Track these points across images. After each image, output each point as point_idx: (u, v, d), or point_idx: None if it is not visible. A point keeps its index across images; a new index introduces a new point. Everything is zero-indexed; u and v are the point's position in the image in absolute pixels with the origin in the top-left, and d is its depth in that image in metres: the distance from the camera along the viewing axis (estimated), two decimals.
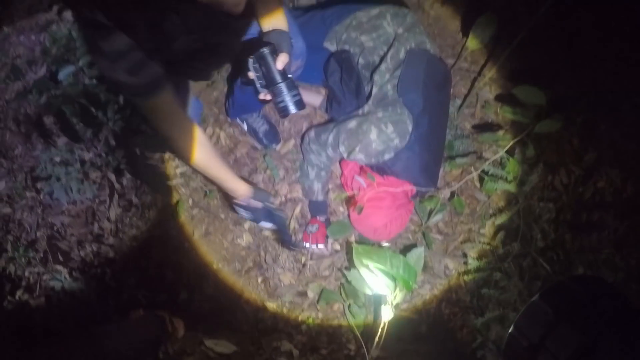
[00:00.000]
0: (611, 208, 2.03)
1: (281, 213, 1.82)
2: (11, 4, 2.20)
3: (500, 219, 2.10)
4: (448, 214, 2.26)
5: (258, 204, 1.74)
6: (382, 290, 1.86)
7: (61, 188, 1.96)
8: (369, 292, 1.94)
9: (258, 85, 1.44)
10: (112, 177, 2.05)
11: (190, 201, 2.21)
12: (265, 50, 1.37)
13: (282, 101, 1.42)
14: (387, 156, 1.93)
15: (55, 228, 2.02)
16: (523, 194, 2.03)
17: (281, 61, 1.40)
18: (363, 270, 1.84)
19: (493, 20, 2.06)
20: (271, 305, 2.12)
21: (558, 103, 2.00)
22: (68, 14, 2.12)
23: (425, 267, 2.14)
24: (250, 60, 1.40)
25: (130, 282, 2.03)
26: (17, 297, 1.86)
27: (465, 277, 2.11)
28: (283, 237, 1.98)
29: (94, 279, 1.98)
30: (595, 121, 2.13)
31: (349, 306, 2.03)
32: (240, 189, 1.66)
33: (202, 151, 1.44)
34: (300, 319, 2.10)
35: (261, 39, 1.48)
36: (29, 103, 2.07)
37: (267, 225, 1.84)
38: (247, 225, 2.19)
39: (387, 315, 1.85)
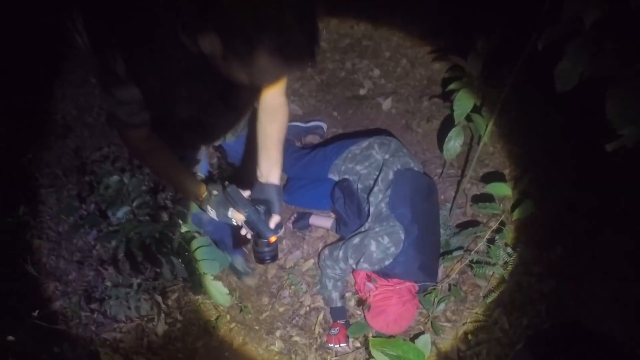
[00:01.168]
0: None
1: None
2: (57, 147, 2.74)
3: (492, 298, 2.41)
4: (454, 303, 2.56)
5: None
6: None
7: (117, 306, 2.35)
8: None
9: (244, 231, 1.53)
10: (159, 298, 2.44)
11: (228, 316, 2.58)
12: (261, 210, 1.48)
13: (262, 252, 1.52)
14: (387, 262, 2.32)
15: (107, 343, 2.38)
16: (507, 272, 2.36)
17: (273, 222, 1.52)
18: (379, 358, 2.15)
19: (460, 132, 2.48)
20: None
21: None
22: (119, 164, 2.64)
23: (439, 352, 2.43)
24: (246, 213, 1.46)
25: None
26: None
27: (476, 356, 2.37)
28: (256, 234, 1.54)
29: None
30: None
31: None
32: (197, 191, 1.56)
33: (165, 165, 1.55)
34: None
35: (258, 191, 1.58)
36: (80, 236, 2.53)
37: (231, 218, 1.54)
38: (278, 333, 2.53)
39: None
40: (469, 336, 2.42)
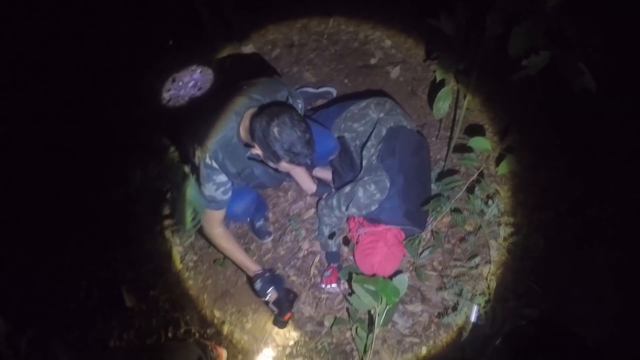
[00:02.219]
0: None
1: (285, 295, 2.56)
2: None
3: (471, 245, 2.60)
4: (441, 254, 2.75)
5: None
6: (372, 305, 2.38)
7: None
8: (364, 310, 2.45)
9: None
10: (176, 240, 2.77)
11: None
12: (290, 297, 2.57)
13: (278, 321, 2.56)
14: (373, 207, 2.53)
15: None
16: (485, 222, 2.52)
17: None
18: (359, 292, 2.38)
19: (448, 92, 2.62)
20: (295, 334, 2.66)
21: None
22: None
23: (423, 299, 2.64)
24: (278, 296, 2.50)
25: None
26: None
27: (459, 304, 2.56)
28: (278, 311, 2.54)
29: None
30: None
31: (356, 329, 2.53)
32: (250, 267, 2.49)
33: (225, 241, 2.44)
34: (319, 345, 2.61)
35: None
36: None
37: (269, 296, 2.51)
38: (277, 272, 2.80)
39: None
40: (453, 286, 2.60)
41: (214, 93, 3.23)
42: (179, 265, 2.95)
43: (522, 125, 2.94)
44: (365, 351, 2.49)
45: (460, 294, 2.55)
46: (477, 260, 2.63)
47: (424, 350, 2.57)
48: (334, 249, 2.75)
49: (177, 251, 3.00)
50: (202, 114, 2.21)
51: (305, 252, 2.88)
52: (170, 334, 2.64)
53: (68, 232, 2.85)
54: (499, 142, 2.80)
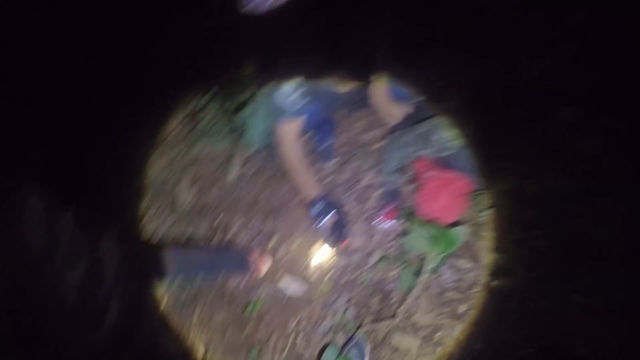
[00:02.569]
0: None
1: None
2: None
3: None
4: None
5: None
6: (425, 249, 2.31)
7: None
8: (416, 253, 2.38)
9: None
10: None
11: None
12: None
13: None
14: (448, 152, 2.41)
15: None
16: None
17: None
18: (415, 233, 2.30)
19: None
20: (339, 262, 2.64)
21: None
22: None
23: (474, 258, 2.54)
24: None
25: None
26: None
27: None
28: (332, 237, 2.53)
29: None
30: None
31: (404, 268, 2.48)
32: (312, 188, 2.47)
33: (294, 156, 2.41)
34: (360, 277, 2.58)
35: None
36: None
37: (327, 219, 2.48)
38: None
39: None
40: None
41: None
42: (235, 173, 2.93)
43: None
44: (406, 294, 2.45)
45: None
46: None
47: (462, 308, 2.50)
48: (395, 186, 2.66)
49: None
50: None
51: (367, 183, 2.79)
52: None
53: None
54: None
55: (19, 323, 1.05)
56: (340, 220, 2.50)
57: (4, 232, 1.05)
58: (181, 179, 2.99)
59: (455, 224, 2.47)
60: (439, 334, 2.46)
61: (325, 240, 2.55)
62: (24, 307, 1.07)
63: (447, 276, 2.55)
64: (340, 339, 2.46)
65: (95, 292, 1.39)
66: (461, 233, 2.33)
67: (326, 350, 2.31)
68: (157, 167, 2.99)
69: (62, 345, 1.31)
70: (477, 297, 2.50)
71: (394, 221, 2.60)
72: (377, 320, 2.48)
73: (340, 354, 2.30)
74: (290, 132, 2.31)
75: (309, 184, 2.48)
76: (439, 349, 2.44)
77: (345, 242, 2.54)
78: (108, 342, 1.51)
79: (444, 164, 2.51)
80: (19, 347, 0.93)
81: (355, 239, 2.65)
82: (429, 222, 2.40)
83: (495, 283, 2.43)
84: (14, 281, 1.00)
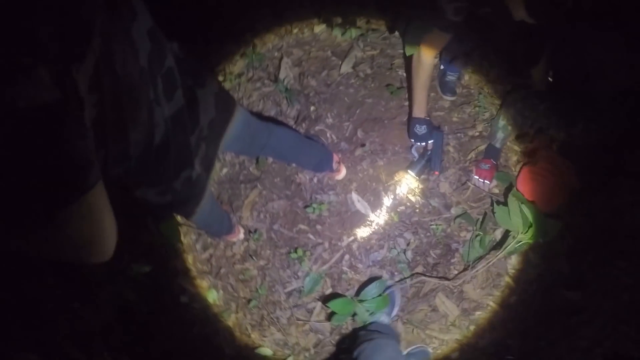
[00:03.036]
0: None
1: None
2: None
3: None
4: None
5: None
6: (512, 228, 2.13)
7: None
8: (502, 225, 2.21)
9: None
10: None
11: None
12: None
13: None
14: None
15: None
16: None
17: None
18: (512, 208, 2.11)
19: None
20: (417, 200, 2.49)
21: None
22: None
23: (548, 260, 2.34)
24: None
25: None
26: None
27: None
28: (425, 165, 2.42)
29: None
30: None
31: (477, 236, 2.32)
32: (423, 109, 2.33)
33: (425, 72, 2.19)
34: (435, 224, 2.44)
35: None
36: None
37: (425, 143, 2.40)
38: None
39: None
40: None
41: None
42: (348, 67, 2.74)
43: None
44: (468, 261, 2.31)
45: None
46: None
47: (512, 299, 2.34)
48: (499, 145, 2.43)
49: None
50: None
51: (476, 133, 2.57)
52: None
53: None
54: None
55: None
56: (437, 151, 2.36)
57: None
58: (289, 55, 2.83)
59: (550, 216, 2.27)
60: (479, 312, 2.33)
61: (413, 166, 2.41)
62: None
63: (514, 263, 2.38)
64: (387, 275, 2.36)
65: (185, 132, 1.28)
66: (556, 227, 2.13)
67: (373, 284, 2.22)
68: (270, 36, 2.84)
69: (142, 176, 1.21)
70: (531, 294, 2.33)
71: (488, 182, 2.40)
72: (429, 273, 2.37)
73: (381, 294, 2.21)
74: (435, 44, 2.07)
75: (424, 103, 2.31)
76: (472, 327, 2.33)
77: (436, 173, 2.41)
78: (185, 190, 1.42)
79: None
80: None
81: (444, 182, 2.48)
82: (530, 202, 2.20)
83: (563, 292, 2.26)
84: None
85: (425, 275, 2.34)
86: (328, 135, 2.61)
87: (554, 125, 2.22)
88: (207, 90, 1.38)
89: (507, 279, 2.37)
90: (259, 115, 2.63)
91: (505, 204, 2.21)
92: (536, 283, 2.33)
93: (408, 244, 2.40)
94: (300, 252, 2.41)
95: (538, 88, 2.44)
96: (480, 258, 2.31)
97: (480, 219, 2.35)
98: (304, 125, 2.65)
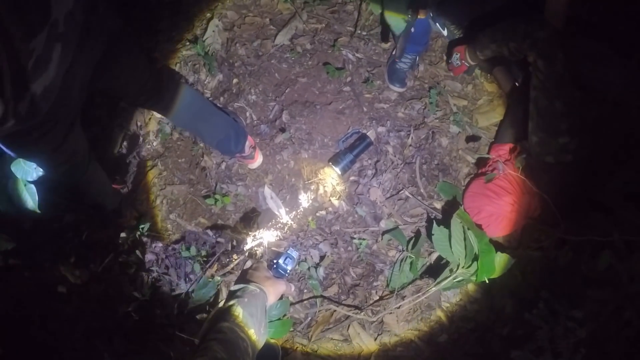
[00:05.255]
0: None
1: None
2: None
3: None
4: None
5: None
6: (451, 259, 1.70)
7: None
8: (440, 252, 1.78)
9: None
10: None
11: None
12: None
13: None
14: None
15: None
16: None
17: None
18: (454, 232, 1.68)
19: None
20: (344, 206, 2.04)
21: None
22: None
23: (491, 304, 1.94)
24: None
25: None
26: None
27: None
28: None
29: None
30: None
31: (407, 259, 1.89)
32: None
33: None
34: (358, 237, 1.99)
35: None
36: None
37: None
38: None
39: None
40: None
41: None
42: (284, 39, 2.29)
43: None
44: (396, 288, 1.88)
45: None
46: None
47: (442, 338, 1.92)
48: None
49: None
50: None
51: (421, 134, 2.15)
52: None
53: None
54: None
55: None
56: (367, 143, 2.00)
57: None
58: (221, 17, 2.37)
59: (498, 245, 1.86)
60: (400, 349, 1.90)
61: (338, 160, 2.02)
62: None
63: (448, 294, 1.97)
64: (292, 293, 1.90)
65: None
66: (506, 264, 1.71)
67: (274, 304, 1.76)
68: None
69: None
70: (464, 334, 1.92)
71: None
72: (345, 295, 1.93)
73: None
74: None
75: None
76: None
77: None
78: None
79: (532, 169, 1.86)
80: None
81: (376, 188, 2.04)
82: (478, 228, 1.78)
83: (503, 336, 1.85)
84: None
85: (336, 302, 1.91)
86: (248, 114, 2.16)
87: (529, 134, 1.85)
88: None
89: (439, 312, 1.96)
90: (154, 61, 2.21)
91: (446, 225, 1.77)
92: (473, 321, 1.91)
93: (323, 258, 1.95)
94: (193, 250, 1.93)
95: (504, 90, 2.09)
96: (406, 286, 1.89)
97: (414, 239, 1.92)
98: (221, 99, 2.19)
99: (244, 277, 1.20)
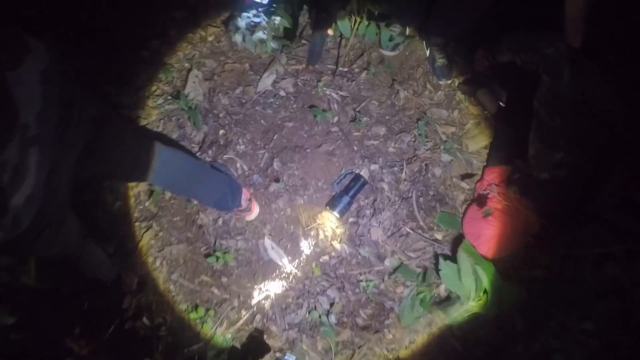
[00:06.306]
0: None
1: None
2: None
3: None
4: None
5: None
6: (464, 293, 1.71)
7: None
8: (449, 287, 1.78)
9: None
10: None
11: None
12: None
13: None
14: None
15: None
16: None
17: None
18: (462, 265, 1.69)
19: None
20: (346, 249, 2.04)
21: None
22: None
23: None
24: None
25: None
26: None
27: None
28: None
29: None
30: None
31: (419, 294, 1.89)
32: None
33: None
34: (365, 278, 1.99)
35: None
36: None
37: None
38: None
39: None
40: None
41: None
42: (267, 84, 2.29)
43: None
44: (404, 325, 1.88)
45: None
46: None
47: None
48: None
49: None
50: None
51: (415, 168, 2.16)
52: None
53: None
54: None
55: None
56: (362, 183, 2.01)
57: None
58: (200, 66, 2.36)
59: (506, 268, 1.87)
60: None
61: (335, 204, 2.02)
62: None
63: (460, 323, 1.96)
64: (306, 342, 1.89)
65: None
66: (516, 295, 1.72)
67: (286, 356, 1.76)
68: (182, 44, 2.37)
69: None
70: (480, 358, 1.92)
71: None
72: (358, 338, 1.92)
73: None
74: None
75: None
76: None
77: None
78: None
79: (525, 186, 1.88)
80: None
81: (376, 228, 2.04)
82: (485, 260, 1.79)
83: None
84: None
85: (351, 345, 1.89)
86: (238, 165, 2.14)
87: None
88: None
89: (453, 341, 1.94)
90: (143, 130, 2.16)
91: (452, 258, 1.78)
92: (486, 345, 1.91)
93: (332, 305, 1.93)
94: (201, 311, 1.91)
95: (489, 111, 2.10)
96: (417, 323, 1.89)
97: (422, 273, 1.92)
98: (210, 152, 2.17)
99: None
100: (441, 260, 1.78)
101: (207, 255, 1.99)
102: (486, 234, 1.90)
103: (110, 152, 1.31)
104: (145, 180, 1.55)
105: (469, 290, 1.67)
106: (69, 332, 1.90)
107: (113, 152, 1.33)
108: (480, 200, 2.01)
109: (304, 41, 2.42)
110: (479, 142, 2.21)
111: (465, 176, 2.16)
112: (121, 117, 1.38)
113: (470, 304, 1.69)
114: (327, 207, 2.02)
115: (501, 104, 2.20)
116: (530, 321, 1.88)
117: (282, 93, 2.29)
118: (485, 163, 2.15)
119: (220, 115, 2.25)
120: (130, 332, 1.92)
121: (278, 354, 1.86)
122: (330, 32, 2.26)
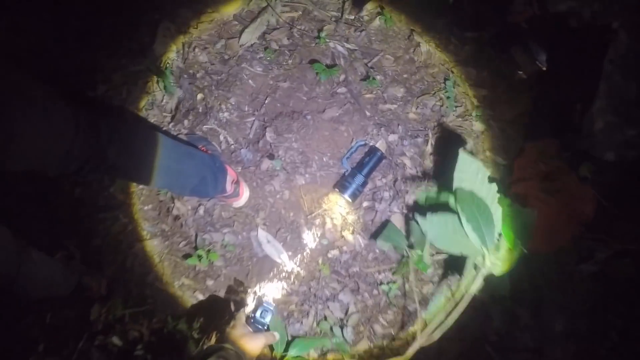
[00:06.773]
0: None
1: None
2: None
3: None
4: None
5: None
6: (470, 249, 1.31)
7: None
8: (446, 248, 1.38)
9: None
10: None
11: None
12: None
13: None
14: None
15: None
16: None
17: None
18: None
19: None
20: (360, 242, 1.64)
21: None
22: None
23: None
24: None
25: None
26: None
27: None
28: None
29: None
30: None
31: (415, 257, 1.50)
32: None
33: None
34: (385, 278, 1.60)
35: None
36: None
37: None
38: None
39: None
40: None
41: None
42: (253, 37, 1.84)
43: None
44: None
45: None
46: None
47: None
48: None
49: None
50: None
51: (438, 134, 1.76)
52: None
53: None
54: None
55: None
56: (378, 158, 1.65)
57: None
58: (173, 17, 1.92)
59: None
60: None
61: (345, 185, 1.63)
62: None
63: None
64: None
65: None
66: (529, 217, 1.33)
67: None
68: None
69: None
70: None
71: None
72: (377, 349, 1.55)
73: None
74: None
75: None
76: None
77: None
78: None
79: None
80: None
81: (397, 214, 1.65)
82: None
83: None
84: None
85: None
86: (222, 137, 1.73)
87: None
88: None
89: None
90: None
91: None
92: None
93: (346, 312, 1.55)
94: (184, 324, 1.53)
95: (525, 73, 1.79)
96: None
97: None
98: (185, 122, 1.75)
99: (222, 338, 1.22)
100: (427, 213, 1.36)
101: (187, 256, 1.59)
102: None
103: (21, 136, 0.92)
104: (90, 175, 1.12)
105: (477, 246, 1.26)
106: (32, 350, 1.52)
107: (24, 137, 0.93)
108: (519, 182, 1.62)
109: None
110: (513, 109, 1.81)
111: (499, 149, 1.76)
112: (40, 87, 0.92)
113: (487, 262, 1.28)
114: (336, 189, 1.63)
115: (539, 64, 1.80)
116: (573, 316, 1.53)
117: (274, 46, 1.86)
118: (523, 135, 1.76)
119: (198, 75, 1.83)
120: (101, 349, 1.54)
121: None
122: None
